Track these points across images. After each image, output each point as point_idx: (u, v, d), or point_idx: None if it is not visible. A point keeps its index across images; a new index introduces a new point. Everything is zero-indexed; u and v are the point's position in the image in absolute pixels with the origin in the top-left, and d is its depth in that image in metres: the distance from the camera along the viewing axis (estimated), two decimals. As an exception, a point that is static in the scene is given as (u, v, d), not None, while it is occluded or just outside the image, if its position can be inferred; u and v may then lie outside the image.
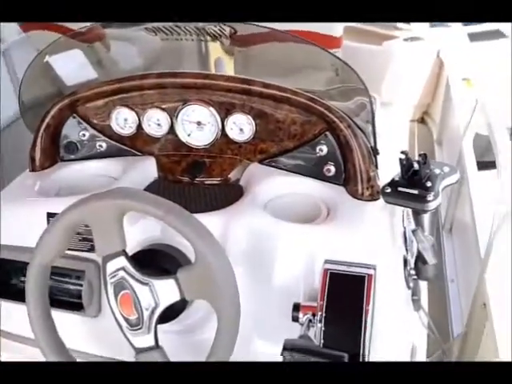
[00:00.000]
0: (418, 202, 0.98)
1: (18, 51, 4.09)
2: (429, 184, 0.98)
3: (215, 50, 1.48)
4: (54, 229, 0.93)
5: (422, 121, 3.86)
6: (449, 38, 3.32)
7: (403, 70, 3.59)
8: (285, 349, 0.80)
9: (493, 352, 1.34)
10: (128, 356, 1.07)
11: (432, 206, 0.97)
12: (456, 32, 3.20)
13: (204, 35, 1.17)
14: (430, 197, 0.97)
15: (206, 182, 1.24)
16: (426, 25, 3.77)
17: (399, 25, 3.63)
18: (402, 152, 0.99)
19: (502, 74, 3.39)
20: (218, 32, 1.15)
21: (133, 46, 1.57)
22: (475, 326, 1.62)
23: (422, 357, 1.31)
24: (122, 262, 0.92)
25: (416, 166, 0.99)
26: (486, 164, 2.25)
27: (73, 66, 1.35)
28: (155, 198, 0.90)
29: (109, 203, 0.90)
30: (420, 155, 0.98)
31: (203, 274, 0.87)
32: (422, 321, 1.27)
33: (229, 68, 1.54)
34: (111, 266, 0.93)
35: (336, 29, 2.49)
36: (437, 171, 1.01)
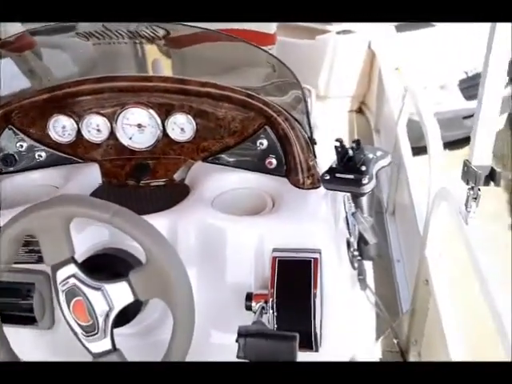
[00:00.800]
0: (354, 185, 1.04)
1: None
2: (363, 168, 1.04)
3: (152, 52, 1.48)
4: None
5: (359, 111, 4.00)
6: (378, 30, 3.46)
7: (337, 62, 3.71)
8: (239, 335, 0.83)
9: (438, 325, 1.43)
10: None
11: (367, 188, 1.03)
12: (384, 23, 3.34)
13: (137, 38, 1.18)
14: (364, 180, 1.02)
15: (152, 184, 1.25)
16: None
17: (330, 19, 3.74)
18: (337, 140, 1.04)
19: (429, 60, 3.59)
20: (151, 34, 1.16)
21: (66, 52, 1.55)
22: (420, 302, 1.71)
23: (371, 334, 1.38)
24: (71, 269, 0.92)
25: (350, 152, 1.05)
26: (420, 149, 2.38)
27: (4, 76, 1.31)
28: (100, 202, 0.90)
29: (54, 211, 0.90)
30: (353, 141, 1.04)
31: (155, 273, 0.89)
32: (370, 300, 1.34)
33: (167, 69, 1.55)
34: (61, 274, 0.92)
35: (269, 26, 2.55)
36: (370, 156, 1.07)
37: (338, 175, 1.06)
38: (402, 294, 2.14)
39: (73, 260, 0.92)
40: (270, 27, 2.54)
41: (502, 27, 1.02)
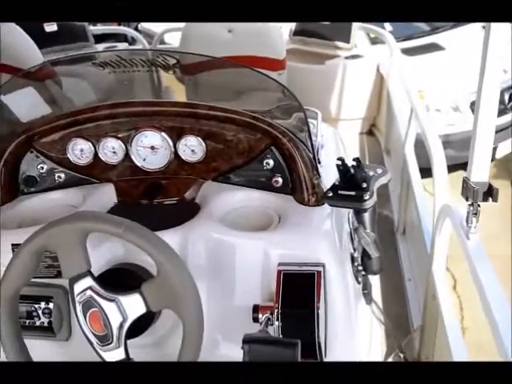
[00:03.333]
0: (356, 201, 1.09)
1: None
2: (364, 185, 1.09)
3: (167, 78, 1.57)
4: (19, 257, 0.97)
5: (370, 133, 4.06)
6: (386, 54, 3.54)
7: (347, 86, 3.79)
8: (244, 341, 0.87)
9: (445, 340, 1.45)
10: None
11: (369, 204, 1.08)
12: (390, 48, 3.42)
13: (150, 66, 1.25)
14: (366, 196, 1.07)
15: (164, 203, 1.31)
16: (365, 43, 4.01)
17: (339, 44, 3.84)
18: (339, 159, 1.10)
19: (440, 83, 3.64)
20: (163, 63, 1.24)
21: (84, 80, 1.64)
22: (429, 318, 1.73)
23: (377, 349, 1.40)
24: (88, 281, 0.98)
25: (352, 170, 1.10)
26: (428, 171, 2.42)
27: (27, 104, 1.40)
28: (114, 218, 0.97)
29: (71, 227, 0.96)
30: (354, 160, 1.09)
31: (165, 285, 0.94)
32: (376, 315, 1.37)
33: (181, 95, 1.63)
34: (78, 287, 0.98)
35: (279, 52, 2.65)
36: (371, 173, 1.12)
37: (340, 192, 1.11)
38: (414, 312, 2.16)
39: (89, 273, 0.98)
40: (280, 53, 2.64)
41: (493, 48, 1.08)
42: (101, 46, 4.08)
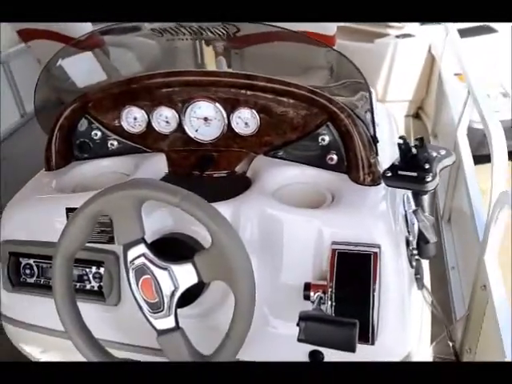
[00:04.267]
0: (417, 183, 1.04)
1: (16, 61, 4.17)
2: (427, 166, 1.04)
3: (209, 53, 1.54)
4: (76, 220, 0.98)
5: (416, 116, 3.94)
6: (439, 34, 3.39)
7: (396, 66, 3.67)
8: (300, 319, 0.85)
9: (494, 331, 1.40)
10: (148, 341, 1.13)
11: (431, 186, 1.03)
12: (446, 27, 3.27)
13: (207, 34, 1.23)
14: (428, 178, 1.03)
15: (214, 175, 1.30)
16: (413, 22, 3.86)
17: (390, 23, 3.72)
18: (401, 137, 1.05)
19: (490, 67, 3.49)
20: (222, 31, 1.21)
21: (130, 51, 1.63)
22: (476, 307, 1.68)
23: (426, 336, 1.37)
24: (141, 249, 0.98)
25: (414, 150, 1.05)
26: (481, 158, 2.32)
27: (83, 69, 1.41)
28: (171, 187, 0.96)
29: (128, 193, 0.96)
30: (416, 139, 1.04)
31: (219, 256, 0.93)
32: (426, 299, 1.33)
33: (236, 66, 1.60)
34: (132, 253, 0.98)
35: (330, 28, 2.57)
36: (434, 154, 1.07)
37: (400, 172, 1.07)
38: (456, 301, 2.10)
39: (143, 240, 0.98)
40: (331, 29, 2.57)
41: None
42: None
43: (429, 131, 3.63)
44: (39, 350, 1.38)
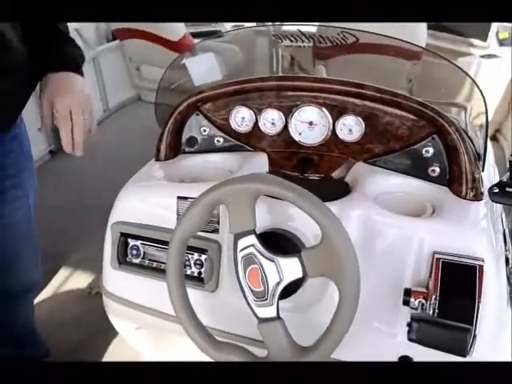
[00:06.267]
0: None
1: (105, 58, 4.41)
2: None
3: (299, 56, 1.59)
4: (197, 206, 1.05)
5: (493, 138, 3.84)
6: None
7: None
8: (413, 319, 0.88)
9: None
10: (241, 329, 1.19)
11: None
12: None
13: (326, 42, 1.28)
14: None
15: (312, 178, 1.35)
16: (493, 43, 3.78)
17: (475, 42, 3.66)
18: None
19: None
20: (342, 40, 1.26)
21: (218, 56, 1.71)
22: None
23: None
24: (252, 239, 1.03)
25: None
26: None
27: (203, 68, 1.49)
28: (287, 183, 1.01)
29: (246, 186, 1.02)
30: None
31: (327, 253, 0.96)
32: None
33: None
34: (242, 243, 1.04)
35: (419, 41, 2.57)
36: None
37: (508, 189, 1.07)
38: None
39: (254, 232, 1.04)
40: (421, 42, 2.57)
41: None
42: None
43: (506, 155, 3.54)
44: (130, 326, 1.46)
